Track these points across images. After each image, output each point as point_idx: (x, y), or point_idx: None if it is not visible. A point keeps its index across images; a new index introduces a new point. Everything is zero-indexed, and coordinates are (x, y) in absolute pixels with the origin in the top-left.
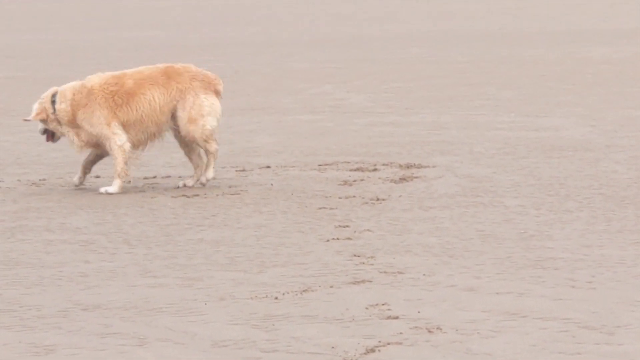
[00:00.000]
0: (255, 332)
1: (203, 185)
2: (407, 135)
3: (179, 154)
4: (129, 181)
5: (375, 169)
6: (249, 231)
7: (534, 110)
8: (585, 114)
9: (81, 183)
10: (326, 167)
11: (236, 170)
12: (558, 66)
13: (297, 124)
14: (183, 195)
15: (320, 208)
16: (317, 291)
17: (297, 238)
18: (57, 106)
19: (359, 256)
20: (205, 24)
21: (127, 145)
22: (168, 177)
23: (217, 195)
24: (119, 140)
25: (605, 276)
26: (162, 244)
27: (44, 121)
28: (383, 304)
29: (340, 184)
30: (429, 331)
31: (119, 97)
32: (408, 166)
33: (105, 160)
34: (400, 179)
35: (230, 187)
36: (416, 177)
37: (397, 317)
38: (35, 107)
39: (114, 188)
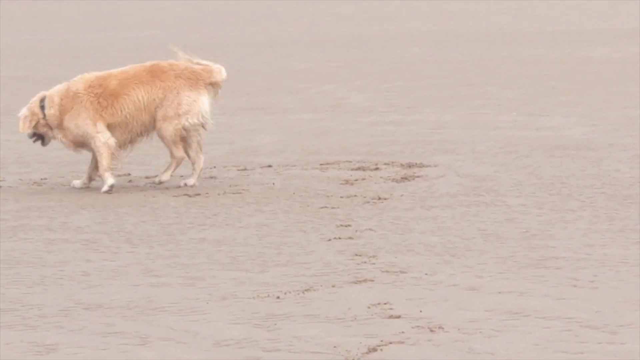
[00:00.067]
0: (257, 332)
1: (155, 184)
2: (408, 134)
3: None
4: (128, 174)
5: (376, 168)
6: (250, 230)
7: (535, 110)
8: (587, 114)
9: (84, 185)
10: (328, 166)
11: (238, 170)
12: (559, 66)
13: (299, 123)
14: (185, 195)
15: (322, 207)
16: (319, 290)
17: (299, 237)
18: (46, 112)
19: (360, 255)
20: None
21: (112, 141)
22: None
23: (219, 194)
24: (103, 138)
25: (607, 275)
26: (164, 243)
27: (35, 126)
28: (385, 303)
29: (341, 183)
30: (431, 330)
31: (103, 99)
32: (410, 165)
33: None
34: (402, 178)
35: (231, 186)
36: (418, 177)
37: (399, 317)
38: (24, 112)
39: (106, 184)
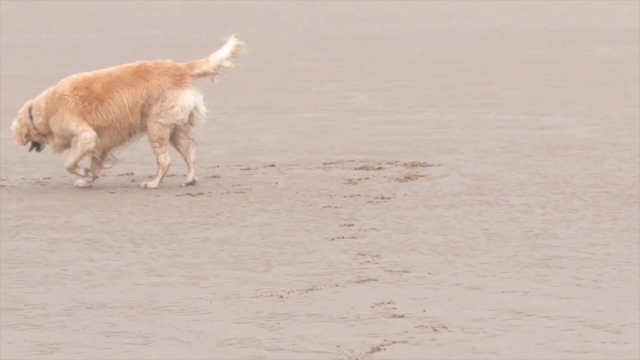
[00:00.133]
0: (261, 331)
1: (144, 187)
2: (411, 133)
3: None
4: (131, 173)
5: (380, 168)
6: (253, 230)
7: (537, 109)
8: (589, 113)
9: (88, 184)
10: (331, 165)
11: (240, 169)
12: (561, 65)
13: (301, 122)
14: (187, 194)
15: (325, 207)
16: (322, 290)
17: (302, 237)
18: (34, 121)
19: (364, 255)
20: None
21: (91, 145)
22: (172, 175)
23: (222, 193)
24: (84, 138)
25: (611, 275)
26: (166, 243)
27: (27, 136)
28: (388, 303)
29: (345, 183)
30: (435, 330)
31: (88, 103)
32: (413, 165)
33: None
34: (405, 177)
35: (234, 185)
36: (421, 176)
37: (402, 316)
38: (15, 125)
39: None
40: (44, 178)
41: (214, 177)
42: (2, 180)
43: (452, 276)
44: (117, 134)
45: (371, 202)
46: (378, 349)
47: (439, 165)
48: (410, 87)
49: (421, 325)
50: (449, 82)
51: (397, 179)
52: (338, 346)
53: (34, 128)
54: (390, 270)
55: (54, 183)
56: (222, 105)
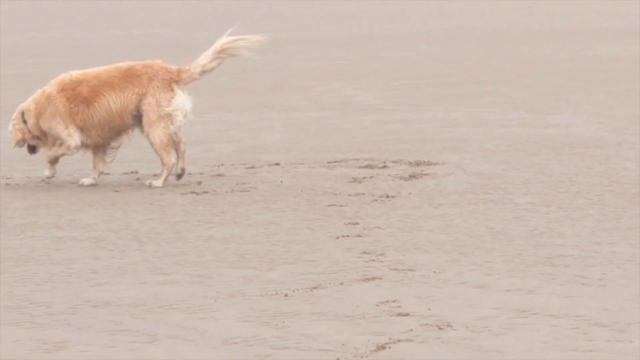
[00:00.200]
0: (266, 329)
1: (148, 185)
2: (416, 132)
3: (189, 150)
4: (136, 172)
5: (384, 166)
6: (258, 228)
7: (543, 108)
8: (595, 112)
9: (94, 181)
10: (335, 164)
11: (245, 168)
12: (567, 64)
13: (306, 121)
14: (192, 192)
15: (329, 205)
16: (327, 288)
17: (306, 235)
18: (28, 124)
19: (369, 253)
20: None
21: (72, 152)
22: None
23: (227, 192)
24: (67, 147)
25: (615, 273)
26: (171, 241)
27: (23, 140)
28: (393, 301)
29: (349, 181)
30: (440, 328)
31: (75, 106)
32: (418, 163)
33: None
34: (409, 176)
35: (239, 184)
36: (426, 174)
37: (407, 314)
38: (10, 129)
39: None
40: (48, 177)
41: (219, 175)
42: (7, 178)
43: (457, 275)
44: (106, 133)
45: (376, 200)
46: (383, 348)
47: (443, 163)
48: (415, 86)
49: (426, 324)
50: (454, 81)
51: (402, 178)
52: (343, 344)
53: (29, 132)
54: (395, 269)
55: (59, 181)
56: (227, 104)
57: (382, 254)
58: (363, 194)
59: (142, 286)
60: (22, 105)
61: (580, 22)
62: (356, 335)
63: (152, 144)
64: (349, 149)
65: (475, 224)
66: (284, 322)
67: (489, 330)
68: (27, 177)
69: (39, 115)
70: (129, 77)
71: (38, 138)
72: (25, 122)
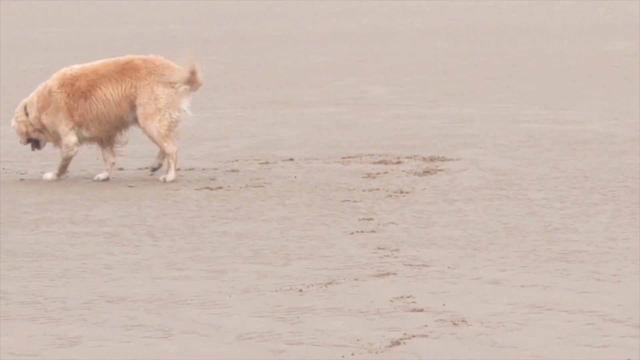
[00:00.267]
0: (280, 325)
1: (162, 181)
2: (430, 128)
3: (203, 146)
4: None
5: (399, 162)
6: (272, 224)
7: (558, 104)
8: (609, 107)
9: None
10: (350, 159)
11: (259, 163)
12: (581, 60)
13: (320, 116)
14: (207, 188)
15: (344, 201)
16: (341, 284)
17: (321, 231)
18: (30, 117)
19: (383, 249)
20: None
21: (72, 152)
22: (191, 169)
23: (241, 187)
24: (66, 145)
25: (630, 269)
26: (186, 237)
27: (26, 133)
28: (408, 297)
29: (363, 177)
30: (454, 324)
31: (73, 101)
32: (432, 159)
33: (129, 152)
34: (424, 171)
35: (253, 179)
36: (440, 170)
37: (422, 310)
38: (13, 124)
39: (51, 175)
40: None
41: (233, 171)
42: (22, 174)
43: (471, 270)
44: (105, 126)
45: (390, 196)
46: (398, 343)
47: (458, 159)
48: (429, 82)
49: (441, 319)
50: (468, 76)
51: (416, 173)
52: (357, 340)
53: (30, 124)
54: (409, 265)
55: (73, 177)
56: (241, 100)
57: (396, 250)
58: (377, 189)
59: (157, 281)
60: (25, 99)
61: (594, 18)
62: (371, 331)
63: (150, 136)
64: (363, 144)
65: (489, 219)
66: (298, 317)
67: (503, 325)
68: (41, 172)
69: (41, 109)
70: (127, 70)
71: (40, 131)
72: (27, 114)
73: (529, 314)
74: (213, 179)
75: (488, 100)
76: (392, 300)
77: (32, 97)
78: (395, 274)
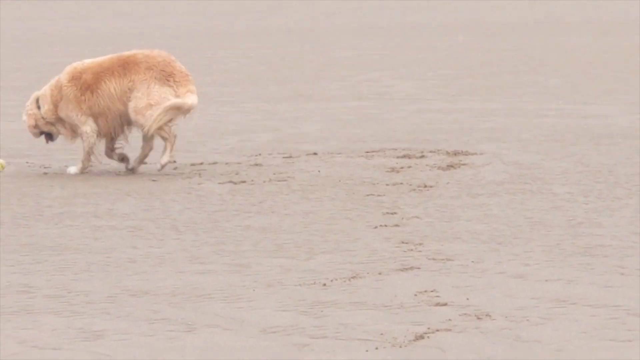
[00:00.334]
0: (304, 319)
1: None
2: (454, 122)
3: (227, 140)
4: (173, 161)
5: (422, 156)
6: (296, 218)
7: (581, 98)
8: (633, 102)
9: (128, 163)
10: (373, 154)
11: (283, 157)
12: (605, 54)
13: (344, 110)
14: (230, 182)
15: (367, 195)
16: (365, 278)
17: (344, 225)
18: (42, 110)
19: (407, 243)
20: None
21: (93, 139)
22: (215, 163)
23: (264, 181)
24: (84, 133)
25: None
26: (209, 231)
27: (37, 126)
28: (432, 291)
29: (387, 171)
30: (478, 318)
31: (81, 94)
32: (455, 153)
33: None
34: (447, 166)
35: (277, 173)
36: (464, 164)
37: (445, 304)
38: (23, 118)
39: (74, 169)
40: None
41: (257, 165)
42: (46, 167)
43: (495, 264)
44: (112, 121)
45: (414, 190)
46: (422, 337)
47: (481, 153)
48: (453, 76)
49: (465, 314)
50: (492, 71)
51: (439, 168)
52: (381, 334)
53: (42, 117)
54: (433, 259)
55: (97, 171)
56: (265, 94)
57: (420, 244)
58: (401, 183)
59: (181, 275)
60: (37, 92)
61: (618, 13)
62: (394, 325)
63: (142, 126)
64: (387, 138)
65: (513, 213)
66: (322, 311)
67: (527, 320)
68: (65, 166)
69: (55, 102)
70: (128, 64)
71: (51, 124)
72: (39, 107)
73: (553, 308)
74: (237, 173)
75: (511, 94)
76: (415, 295)
77: (45, 91)
78: (419, 268)
